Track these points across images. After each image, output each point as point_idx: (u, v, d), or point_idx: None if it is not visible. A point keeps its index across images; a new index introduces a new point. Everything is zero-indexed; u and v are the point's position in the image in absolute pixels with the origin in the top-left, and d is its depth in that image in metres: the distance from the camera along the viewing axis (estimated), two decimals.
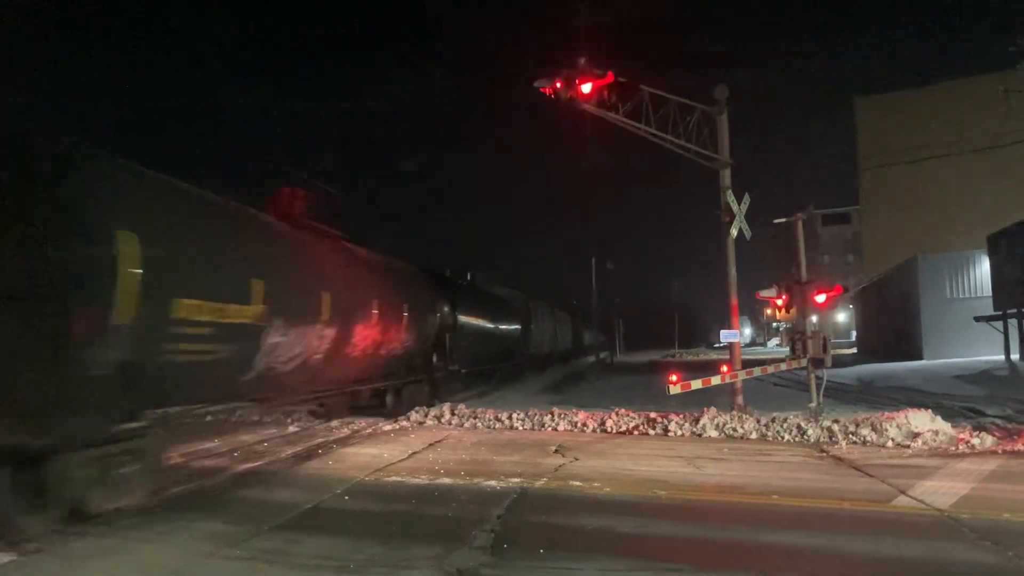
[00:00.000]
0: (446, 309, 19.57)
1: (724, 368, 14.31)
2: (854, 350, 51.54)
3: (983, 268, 31.25)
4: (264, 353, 9.92)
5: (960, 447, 10.66)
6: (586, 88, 14.01)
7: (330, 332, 11.85)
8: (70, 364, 6.70)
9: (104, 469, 7.10)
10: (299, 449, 11.91)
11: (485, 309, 25.18)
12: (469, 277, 27.57)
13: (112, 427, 7.29)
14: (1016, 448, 10.40)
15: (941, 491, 7.95)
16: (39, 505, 6.62)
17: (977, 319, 28.02)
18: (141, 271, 7.21)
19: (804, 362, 13.70)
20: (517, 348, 30.47)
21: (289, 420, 15.12)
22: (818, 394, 13.34)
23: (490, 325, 25.50)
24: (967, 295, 32.51)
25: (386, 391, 16.52)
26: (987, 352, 27.83)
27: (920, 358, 31.90)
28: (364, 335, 13.55)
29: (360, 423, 14.95)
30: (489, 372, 26.36)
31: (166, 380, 8.14)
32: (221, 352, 9.02)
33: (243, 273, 9.30)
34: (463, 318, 21.10)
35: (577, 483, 8.92)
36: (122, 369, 7.22)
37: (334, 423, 15.03)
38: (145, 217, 7.60)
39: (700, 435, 12.64)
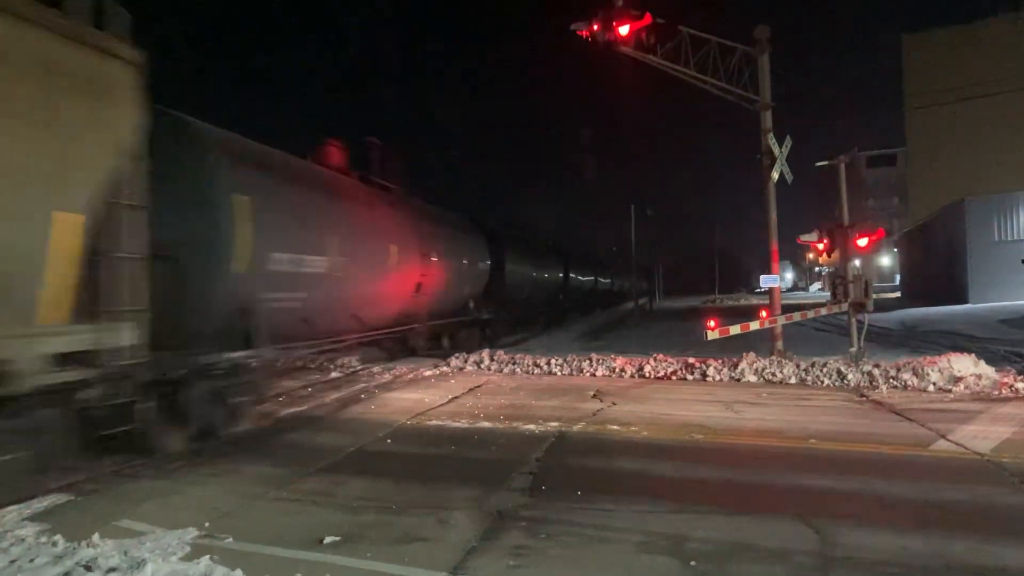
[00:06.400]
0: (494, 258, 21.64)
1: (763, 313, 14.23)
2: (898, 294, 50.78)
3: None
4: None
5: (1003, 391, 10.54)
6: (624, 30, 13.72)
7: (397, 278, 14.44)
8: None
9: (223, 398, 8.76)
10: (342, 394, 12.17)
11: (531, 257, 26.65)
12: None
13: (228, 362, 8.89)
14: None
15: (982, 435, 7.90)
16: (177, 426, 8.08)
17: None
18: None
19: (845, 307, 13.57)
20: (557, 295, 31.96)
21: (332, 366, 15.40)
22: (859, 339, 13.23)
23: (535, 273, 27.09)
24: (1016, 238, 31.74)
25: (441, 334, 18.95)
26: None
27: (966, 302, 31.36)
28: (427, 281, 16.01)
29: (402, 369, 15.17)
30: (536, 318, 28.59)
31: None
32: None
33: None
34: (510, 266, 22.97)
35: (615, 427, 9.01)
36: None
37: (376, 368, 15.27)
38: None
39: (739, 380, 12.64)
